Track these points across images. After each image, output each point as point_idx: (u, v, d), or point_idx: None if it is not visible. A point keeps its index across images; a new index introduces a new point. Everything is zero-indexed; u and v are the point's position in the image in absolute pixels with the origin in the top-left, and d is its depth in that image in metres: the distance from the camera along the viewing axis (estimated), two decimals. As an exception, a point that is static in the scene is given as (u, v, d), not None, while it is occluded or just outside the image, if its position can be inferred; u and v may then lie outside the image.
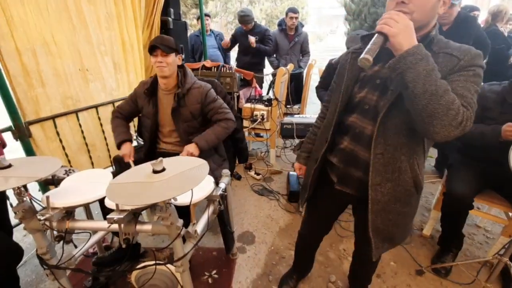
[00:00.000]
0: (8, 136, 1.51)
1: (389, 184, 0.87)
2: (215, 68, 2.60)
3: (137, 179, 0.85)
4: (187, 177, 0.83)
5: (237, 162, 2.10)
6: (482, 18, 2.95)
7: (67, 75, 1.83)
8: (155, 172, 0.84)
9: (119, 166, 1.61)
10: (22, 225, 0.98)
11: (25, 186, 0.91)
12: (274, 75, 2.90)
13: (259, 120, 2.52)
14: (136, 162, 1.42)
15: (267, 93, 3.04)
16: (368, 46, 0.71)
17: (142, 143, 1.79)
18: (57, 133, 1.80)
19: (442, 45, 0.79)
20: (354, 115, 0.92)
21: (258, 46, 3.26)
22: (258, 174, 2.56)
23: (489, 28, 2.61)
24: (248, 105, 2.58)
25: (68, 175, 1.26)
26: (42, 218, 0.91)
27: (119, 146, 1.50)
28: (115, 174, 1.26)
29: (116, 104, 2.14)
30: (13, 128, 1.57)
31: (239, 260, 1.64)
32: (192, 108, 1.50)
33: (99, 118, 2.08)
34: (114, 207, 0.88)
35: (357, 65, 0.77)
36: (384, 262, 1.61)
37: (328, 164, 1.04)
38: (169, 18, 2.60)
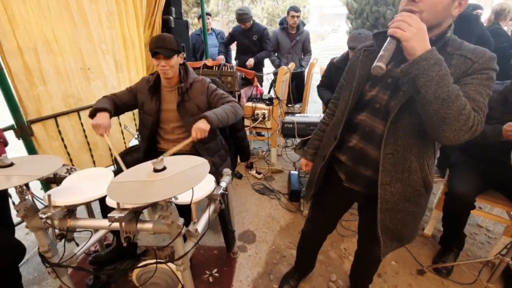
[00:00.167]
0: (10, 135, 1.52)
1: (398, 184, 0.87)
2: (216, 67, 2.60)
3: (138, 178, 0.85)
4: (188, 176, 0.83)
5: (238, 161, 2.10)
6: (486, 16, 2.92)
7: (68, 74, 1.84)
8: (156, 171, 0.84)
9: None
10: (24, 223, 0.98)
11: (27, 185, 0.91)
12: (275, 74, 2.90)
13: (260, 119, 2.52)
14: (136, 162, 1.40)
15: (269, 92, 3.04)
16: (381, 53, 0.70)
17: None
18: (59, 132, 1.81)
19: (456, 46, 0.78)
20: (364, 113, 0.92)
21: (256, 58, 3.27)
22: (259, 173, 2.56)
23: (491, 26, 2.59)
24: (250, 104, 2.58)
25: (69, 174, 1.27)
26: (43, 216, 0.92)
27: (93, 115, 1.37)
28: (116, 173, 1.26)
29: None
30: (15, 127, 1.57)
31: (240, 259, 1.64)
32: (198, 100, 1.48)
33: (100, 117, 2.08)
34: (115, 206, 0.88)
35: (369, 63, 0.77)
36: (385, 261, 1.61)
37: (336, 161, 1.04)
38: (171, 17, 2.60)
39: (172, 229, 0.90)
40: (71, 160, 1.90)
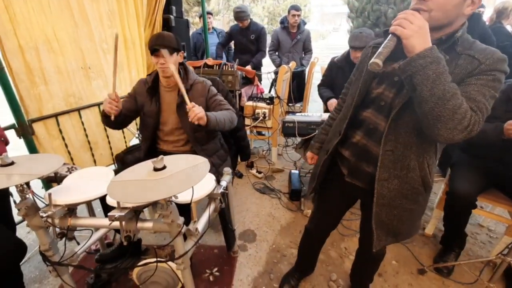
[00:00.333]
0: (11, 134, 1.52)
1: (396, 181, 0.88)
2: (217, 66, 2.60)
3: (138, 176, 0.85)
4: (188, 175, 0.83)
5: (239, 160, 2.10)
6: (488, 15, 2.91)
7: (69, 73, 1.84)
8: (156, 170, 0.84)
9: (121, 164, 1.61)
10: (25, 222, 0.98)
11: (27, 184, 0.92)
12: (276, 73, 2.90)
13: (261, 118, 2.51)
14: (136, 161, 1.39)
15: (269, 91, 3.04)
16: (380, 50, 0.71)
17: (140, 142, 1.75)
18: (60, 131, 1.81)
19: (466, 46, 0.76)
20: (369, 110, 0.92)
21: (253, 64, 3.27)
22: (259, 172, 2.56)
23: (493, 25, 2.58)
24: (250, 103, 2.57)
25: (70, 173, 1.27)
26: (44, 215, 0.92)
27: (104, 118, 1.38)
28: (117, 172, 1.26)
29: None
30: (16, 126, 1.58)
31: (240, 258, 1.64)
32: (197, 102, 1.45)
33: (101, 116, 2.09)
34: (115, 205, 0.88)
35: None
36: (385, 261, 1.61)
37: (339, 156, 1.05)
38: (171, 16, 2.60)
39: (172, 228, 0.90)
40: (72, 159, 1.90)
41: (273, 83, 3.01)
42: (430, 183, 0.90)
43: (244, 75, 2.77)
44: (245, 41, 3.30)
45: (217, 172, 1.45)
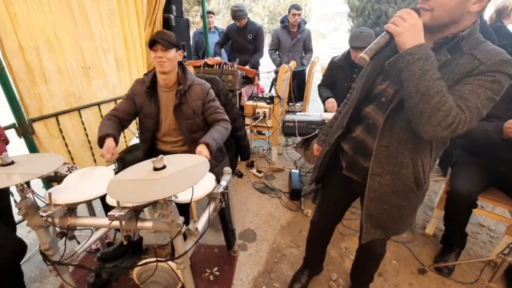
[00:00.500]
0: (11, 133, 1.52)
1: (388, 177, 0.89)
2: (217, 66, 2.60)
3: (137, 176, 0.85)
4: (188, 175, 0.83)
5: (239, 159, 2.10)
6: (489, 14, 2.89)
7: (69, 73, 1.84)
8: (155, 169, 0.84)
9: (122, 163, 1.62)
10: (26, 221, 0.99)
11: (27, 183, 0.92)
12: (276, 72, 2.89)
13: (261, 117, 2.51)
14: (136, 161, 1.39)
15: (269, 91, 3.03)
16: (370, 45, 0.75)
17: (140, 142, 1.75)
18: (60, 131, 1.81)
19: (473, 46, 0.75)
20: (371, 106, 0.94)
21: (251, 64, 3.26)
22: (260, 172, 2.56)
23: (494, 24, 2.56)
24: (250, 102, 2.57)
25: (70, 172, 1.27)
26: (44, 214, 0.92)
27: (101, 142, 1.31)
28: (117, 172, 1.26)
29: (119, 102, 2.15)
30: (17, 126, 1.58)
31: (240, 257, 1.64)
32: (194, 104, 1.46)
33: (101, 116, 2.08)
34: (115, 204, 0.88)
35: (382, 56, 0.79)
36: (386, 260, 1.61)
37: (340, 150, 1.08)
38: (171, 15, 2.60)
39: (172, 228, 0.90)
40: (72, 158, 1.90)
41: (274, 82, 3.01)
42: (423, 182, 0.90)
43: (244, 75, 2.76)
44: (243, 40, 3.29)
45: (213, 173, 1.45)
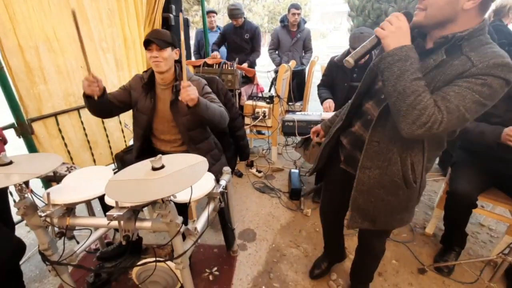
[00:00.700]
0: (11, 133, 1.52)
1: (377, 171, 0.92)
2: (217, 65, 2.59)
3: (136, 176, 0.85)
4: (186, 175, 0.83)
5: (238, 159, 2.09)
6: (487, 13, 2.89)
7: (69, 72, 1.84)
8: (154, 169, 0.84)
9: (121, 163, 1.61)
10: (25, 221, 0.98)
11: (26, 183, 0.91)
12: (276, 72, 2.89)
13: (260, 117, 2.51)
14: (128, 163, 1.32)
15: (269, 90, 3.03)
16: (357, 49, 0.82)
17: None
18: (59, 130, 1.81)
19: (474, 47, 0.74)
20: (371, 102, 0.96)
21: (250, 62, 3.26)
22: (259, 172, 2.56)
23: (492, 23, 2.56)
24: (250, 102, 2.57)
25: (69, 172, 1.27)
26: (42, 214, 0.92)
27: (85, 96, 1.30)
28: (116, 172, 1.26)
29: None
30: (16, 125, 1.58)
31: (240, 257, 1.64)
32: None
33: (101, 115, 2.08)
34: (113, 204, 0.88)
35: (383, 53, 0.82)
36: (385, 260, 1.60)
37: (340, 143, 1.11)
38: (171, 15, 2.59)
39: (171, 228, 0.90)
40: (71, 158, 1.90)
41: (273, 82, 3.00)
42: (412, 180, 0.90)
43: (244, 74, 2.76)
44: (239, 40, 3.29)
45: (211, 172, 1.45)
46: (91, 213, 1.35)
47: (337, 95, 2.17)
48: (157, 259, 0.99)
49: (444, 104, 0.71)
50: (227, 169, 1.36)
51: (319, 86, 2.34)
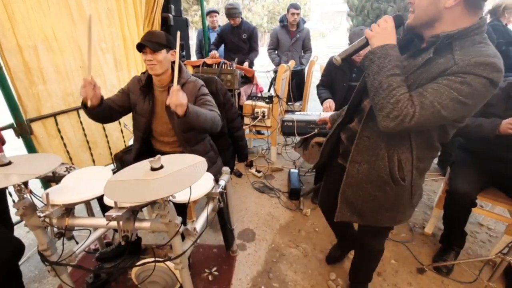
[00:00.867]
0: (10, 134, 1.52)
1: (366, 165, 0.95)
2: (216, 65, 2.59)
3: (135, 176, 0.85)
4: (185, 175, 0.83)
5: (236, 160, 2.09)
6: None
7: (68, 72, 1.84)
8: (153, 169, 0.84)
9: (120, 163, 1.61)
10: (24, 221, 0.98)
11: (25, 183, 0.91)
12: (275, 72, 2.89)
13: (260, 117, 2.51)
14: (127, 164, 1.31)
15: (268, 90, 3.03)
16: (347, 48, 0.91)
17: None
18: (59, 130, 1.81)
19: (464, 46, 0.75)
20: (368, 99, 0.97)
21: (250, 60, 3.26)
22: (259, 172, 2.56)
23: (490, 23, 2.58)
24: (249, 102, 2.56)
25: (68, 172, 1.27)
26: (42, 215, 0.92)
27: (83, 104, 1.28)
28: (115, 172, 1.26)
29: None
30: (15, 126, 1.58)
31: (239, 257, 1.64)
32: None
33: (100, 115, 2.08)
34: (112, 205, 0.88)
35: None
36: (385, 260, 1.61)
37: (340, 139, 1.14)
38: (170, 15, 2.59)
39: (170, 228, 0.90)
40: (70, 158, 1.90)
41: (273, 82, 3.00)
42: (398, 177, 0.90)
43: (243, 74, 2.76)
44: (237, 40, 3.28)
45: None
46: (90, 213, 1.35)
47: (336, 95, 2.17)
48: (156, 259, 0.99)
49: (419, 100, 0.74)
50: (226, 169, 1.36)
51: (318, 86, 2.34)
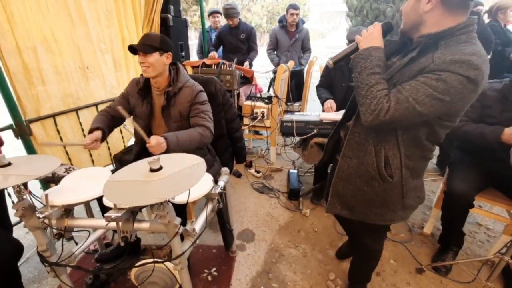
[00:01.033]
0: (9, 135, 1.52)
1: (355, 160, 0.99)
2: (215, 66, 2.59)
3: (134, 177, 0.85)
4: (185, 176, 0.83)
5: (234, 162, 2.08)
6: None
7: (67, 73, 1.84)
8: (152, 170, 0.84)
9: (120, 164, 1.61)
10: (23, 223, 0.98)
11: (24, 184, 0.92)
12: (274, 72, 2.89)
13: (259, 117, 2.51)
14: (126, 164, 1.31)
15: (268, 91, 3.03)
16: (339, 52, 0.98)
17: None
18: (58, 131, 1.81)
19: (448, 45, 0.78)
20: None
21: (250, 60, 3.26)
22: (258, 172, 2.56)
23: (488, 24, 2.60)
24: (248, 102, 2.57)
25: (68, 173, 1.27)
26: (41, 216, 0.92)
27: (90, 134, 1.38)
28: (115, 172, 1.26)
29: (116, 101, 2.14)
30: (14, 127, 1.58)
31: (239, 257, 1.64)
32: (181, 107, 1.41)
33: (99, 116, 2.08)
34: (112, 205, 0.88)
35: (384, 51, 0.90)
36: (384, 260, 1.61)
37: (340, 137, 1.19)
38: (169, 15, 2.59)
39: (169, 229, 0.90)
40: (70, 159, 1.90)
41: (272, 82, 3.00)
42: (385, 173, 0.92)
43: (242, 75, 2.76)
44: (235, 40, 3.29)
45: None
46: (90, 214, 1.35)
47: (335, 95, 2.18)
48: (156, 260, 0.99)
49: (395, 95, 0.79)
50: (225, 169, 1.36)
51: (318, 87, 2.35)
